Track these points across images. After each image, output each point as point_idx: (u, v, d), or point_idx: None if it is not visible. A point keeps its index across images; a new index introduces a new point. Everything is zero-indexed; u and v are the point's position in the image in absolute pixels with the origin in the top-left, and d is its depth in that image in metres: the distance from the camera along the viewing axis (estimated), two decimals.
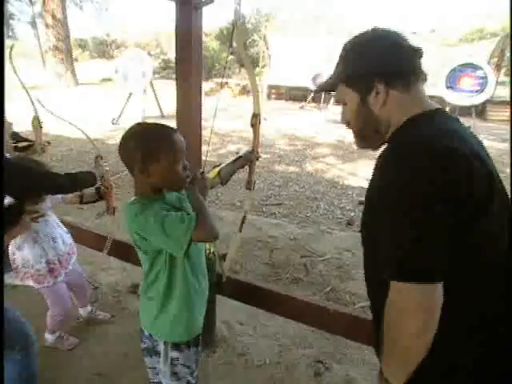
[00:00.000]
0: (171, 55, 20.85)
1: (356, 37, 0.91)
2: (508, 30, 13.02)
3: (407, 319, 0.72)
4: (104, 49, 22.97)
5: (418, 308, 0.70)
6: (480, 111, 11.53)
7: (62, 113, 1.88)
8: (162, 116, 9.81)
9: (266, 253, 3.36)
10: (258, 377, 1.96)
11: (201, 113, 1.80)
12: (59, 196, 1.92)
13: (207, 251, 1.79)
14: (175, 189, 1.22)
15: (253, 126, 1.53)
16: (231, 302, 2.43)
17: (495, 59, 12.55)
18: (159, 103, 9.79)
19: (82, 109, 9.94)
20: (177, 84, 1.73)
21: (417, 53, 0.85)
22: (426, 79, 0.87)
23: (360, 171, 5.90)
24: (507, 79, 15.93)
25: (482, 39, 16.01)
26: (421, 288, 0.70)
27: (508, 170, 5.48)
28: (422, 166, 0.70)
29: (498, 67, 12.53)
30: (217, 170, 1.44)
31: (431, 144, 0.72)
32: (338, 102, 0.95)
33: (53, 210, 1.94)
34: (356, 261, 3.25)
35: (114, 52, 22.65)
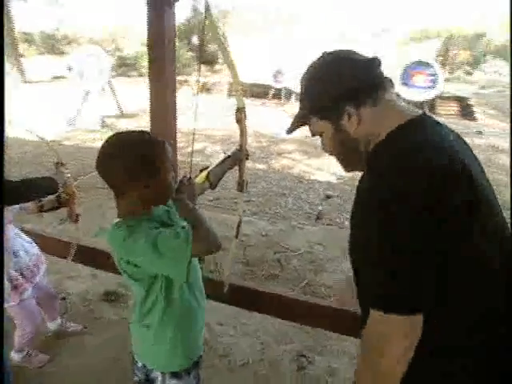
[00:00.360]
0: (127, 52, 20.16)
1: (310, 68, 0.89)
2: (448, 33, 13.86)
3: (390, 346, 0.72)
4: (53, 44, 21.70)
5: (399, 335, 0.71)
6: (430, 106, 12.17)
7: (11, 114, 1.75)
8: (122, 115, 9.47)
9: (239, 251, 3.34)
10: (242, 376, 1.95)
11: (175, 112, 1.74)
12: (17, 206, 1.78)
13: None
14: (164, 201, 1.11)
15: (238, 121, 1.40)
16: (209, 303, 2.40)
17: (440, 58, 13.33)
18: (118, 102, 9.44)
19: (32, 109, 9.37)
20: (150, 83, 1.66)
21: (374, 63, 0.84)
22: (392, 85, 0.86)
23: (326, 166, 6.03)
24: (451, 76, 16.90)
25: (428, 39, 16.89)
26: (403, 318, 0.70)
27: None
28: (394, 190, 0.69)
29: (443, 65, 13.34)
30: (204, 173, 1.33)
31: (403, 165, 0.72)
32: (314, 135, 0.94)
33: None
34: (328, 254, 3.33)
35: (64, 48, 21.50)
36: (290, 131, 0.97)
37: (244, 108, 1.40)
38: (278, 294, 1.86)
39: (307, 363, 2.03)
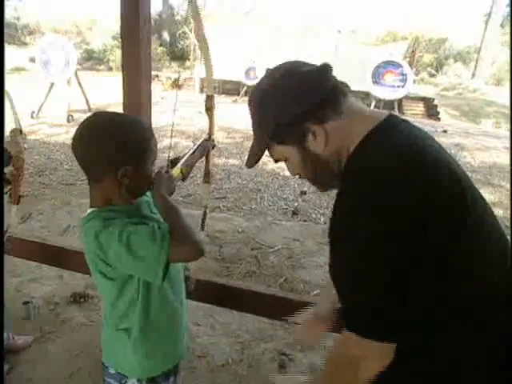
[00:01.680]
0: (94, 45, 19.44)
1: (257, 90, 0.78)
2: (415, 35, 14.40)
3: (363, 370, 0.69)
4: (13, 34, 20.57)
5: (374, 360, 0.69)
6: (398, 105, 12.55)
7: None
8: (89, 110, 9.09)
9: (215, 248, 3.26)
10: (222, 377, 1.87)
11: (150, 107, 1.62)
12: None
13: None
14: (142, 192, 1.02)
15: (208, 109, 1.37)
16: None
17: (407, 59, 13.81)
18: (86, 95, 9.04)
19: None
20: (123, 76, 1.53)
21: (326, 70, 0.75)
22: (349, 89, 0.78)
23: None
24: (416, 78, 17.47)
25: (395, 41, 17.41)
26: (381, 344, 0.66)
27: None
28: (377, 210, 0.63)
29: (410, 66, 13.84)
30: (179, 167, 1.24)
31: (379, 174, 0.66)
32: (277, 162, 0.84)
33: None
34: (305, 249, 3.31)
35: (26, 38, 20.43)
36: (251, 165, 0.84)
37: (213, 96, 1.35)
38: (255, 290, 1.80)
39: (288, 361, 1.99)
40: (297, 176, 0.85)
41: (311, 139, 0.74)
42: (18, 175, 1.56)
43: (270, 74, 0.78)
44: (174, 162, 1.22)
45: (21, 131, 1.54)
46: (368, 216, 0.64)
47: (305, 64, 0.76)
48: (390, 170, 0.65)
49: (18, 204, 1.63)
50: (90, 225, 0.90)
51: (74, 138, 0.91)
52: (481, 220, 0.69)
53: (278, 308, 1.74)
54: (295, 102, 0.73)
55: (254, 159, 0.83)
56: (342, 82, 0.77)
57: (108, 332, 1.06)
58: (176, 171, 1.19)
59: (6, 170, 1.53)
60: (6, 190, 1.55)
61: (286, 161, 0.82)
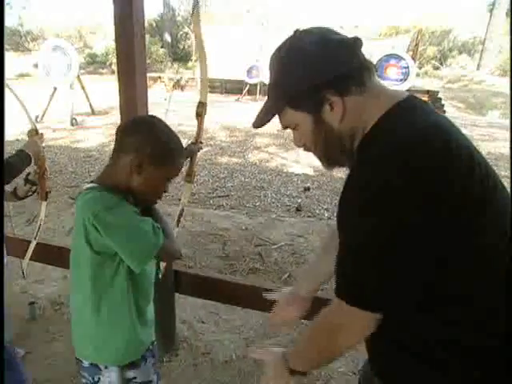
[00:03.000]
0: (97, 49, 19.55)
1: (281, 49, 0.74)
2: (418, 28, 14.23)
3: (344, 337, 0.71)
4: (18, 41, 20.75)
5: (356, 329, 0.70)
6: None
7: None
8: (93, 112, 9.15)
9: (218, 246, 3.26)
10: (226, 374, 1.87)
11: (147, 109, 1.63)
12: None
13: None
14: (145, 203, 1.07)
15: (198, 115, 1.43)
16: (189, 300, 2.31)
17: (410, 52, 13.67)
18: (89, 99, 9.10)
19: None
20: (119, 79, 1.54)
21: (357, 44, 0.72)
22: (376, 69, 0.77)
23: (302, 158, 6.00)
24: (420, 71, 17.31)
25: (399, 34, 17.24)
26: (365, 313, 0.67)
27: None
28: (391, 183, 0.61)
29: (413, 59, 13.70)
30: None
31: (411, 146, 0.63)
32: (285, 128, 0.80)
33: None
34: (309, 245, 3.29)
35: (29, 44, 20.60)
36: (258, 125, 0.80)
37: (206, 103, 1.41)
38: (258, 286, 1.80)
39: None
40: (301, 148, 0.81)
41: (328, 110, 0.71)
42: (42, 173, 1.64)
43: (300, 35, 0.74)
44: None
45: (36, 131, 1.60)
46: (383, 190, 0.62)
47: (337, 33, 0.73)
48: (414, 148, 0.62)
49: (46, 200, 1.73)
50: (96, 196, 0.96)
51: (126, 123, 1.06)
52: (499, 205, 0.67)
53: None
54: (320, 68, 0.70)
55: (262, 120, 0.79)
56: (369, 61, 0.74)
57: (83, 318, 1.06)
58: None
59: (31, 169, 1.59)
60: (32, 189, 1.62)
61: (294, 129, 0.78)
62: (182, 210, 1.61)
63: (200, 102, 1.41)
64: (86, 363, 1.08)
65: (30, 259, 1.98)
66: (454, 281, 0.66)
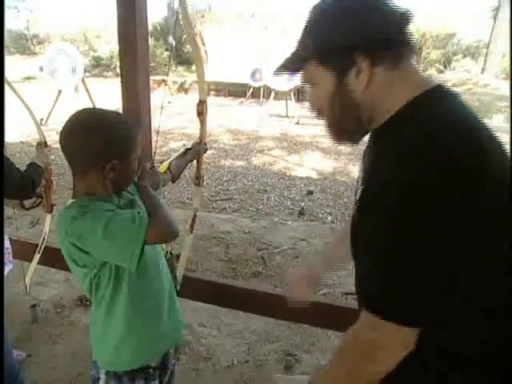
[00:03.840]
0: (101, 52, 19.67)
1: (323, 1, 0.70)
2: None
3: (386, 354, 0.63)
4: (25, 44, 20.92)
5: (398, 345, 0.62)
6: None
7: None
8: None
9: (221, 249, 3.25)
10: (228, 379, 1.86)
11: (150, 112, 1.63)
12: None
13: (164, 251, 1.65)
14: (125, 186, 1.04)
15: (199, 114, 1.40)
16: (189, 303, 2.30)
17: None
18: (93, 102, 9.15)
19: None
20: (121, 80, 1.54)
21: (406, 17, 0.66)
22: (416, 51, 0.71)
23: (306, 162, 5.99)
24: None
25: None
26: (404, 328, 0.60)
27: None
28: (426, 178, 0.56)
29: (417, 63, 13.72)
30: (166, 163, 1.30)
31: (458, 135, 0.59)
32: (304, 83, 0.75)
33: None
34: (312, 249, 3.28)
35: (35, 48, 20.76)
36: (277, 74, 0.76)
37: (205, 101, 1.38)
38: (261, 291, 1.79)
39: (294, 362, 1.96)
40: (314, 112, 0.76)
41: (353, 75, 0.66)
42: (48, 186, 1.65)
43: None
44: (162, 163, 1.31)
45: (46, 144, 1.60)
46: (416, 185, 0.56)
47: (390, 2, 0.67)
48: (445, 144, 0.58)
49: (51, 212, 1.72)
50: (68, 212, 0.92)
51: (62, 132, 0.94)
52: None
53: (283, 308, 1.73)
54: (359, 28, 0.64)
55: (284, 66, 0.74)
56: (413, 41, 0.68)
57: (90, 318, 1.09)
58: (163, 167, 1.25)
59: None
60: (37, 201, 1.64)
61: (313, 87, 0.73)
62: (195, 215, 1.57)
63: (200, 101, 1.38)
64: (93, 357, 1.10)
65: (30, 261, 1.98)
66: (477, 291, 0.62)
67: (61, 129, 0.95)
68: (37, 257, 1.84)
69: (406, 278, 0.59)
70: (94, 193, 0.96)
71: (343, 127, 0.74)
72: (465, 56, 20.92)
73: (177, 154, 1.37)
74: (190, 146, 1.43)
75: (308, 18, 0.71)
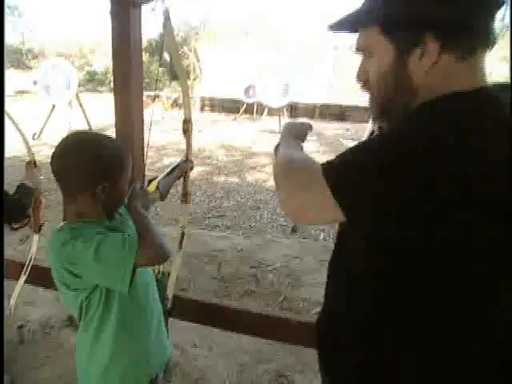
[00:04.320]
0: (97, 67, 19.81)
1: None
2: None
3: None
4: (19, 58, 21.02)
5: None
6: None
7: None
8: (90, 130, 9.19)
9: (213, 267, 3.23)
10: None
11: (143, 128, 1.64)
12: None
13: (155, 271, 1.64)
14: (116, 208, 1.05)
15: (185, 132, 1.43)
16: (181, 323, 2.27)
17: None
18: (87, 116, 9.16)
19: None
20: (115, 95, 1.56)
21: (496, 5, 0.58)
22: (493, 46, 0.60)
23: None
24: None
25: None
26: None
27: None
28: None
29: None
30: (155, 183, 1.31)
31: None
32: (358, 50, 0.68)
33: None
34: (305, 267, 3.27)
35: (30, 62, 20.85)
36: (336, 28, 0.68)
37: (190, 119, 1.41)
38: (253, 311, 1.78)
39: (287, 383, 1.94)
40: (360, 82, 0.70)
41: (417, 55, 0.59)
42: (37, 205, 1.62)
43: None
44: (151, 181, 1.29)
45: (35, 163, 1.58)
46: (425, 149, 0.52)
47: None
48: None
49: (39, 232, 1.70)
50: (58, 235, 0.92)
51: (53, 157, 0.94)
52: None
53: (276, 328, 1.72)
54: (438, 4, 0.56)
55: (342, 27, 0.68)
56: (495, 33, 0.59)
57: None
58: (151, 187, 1.25)
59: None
60: (25, 221, 1.61)
61: (367, 56, 0.67)
62: (183, 232, 1.59)
63: (185, 119, 1.42)
64: None
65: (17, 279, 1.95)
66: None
67: (53, 149, 0.95)
68: (23, 278, 1.80)
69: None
70: (84, 215, 0.96)
71: (388, 109, 0.67)
72: None
73: (164, 173, 1.38)
74: (176, 164, 1.45)
75: None
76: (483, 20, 0.58)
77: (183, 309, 1.80)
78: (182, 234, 1.59)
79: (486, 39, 0.59)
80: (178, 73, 1.39)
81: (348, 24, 0.67)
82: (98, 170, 0.93)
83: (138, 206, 1.00)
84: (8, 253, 2.72)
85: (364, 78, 0.68)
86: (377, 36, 0.62)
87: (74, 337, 2.18)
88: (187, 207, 1.58)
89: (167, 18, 1.25)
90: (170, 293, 1.66)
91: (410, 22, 0.58)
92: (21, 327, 2.16)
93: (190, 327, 2.30)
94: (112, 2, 1.42)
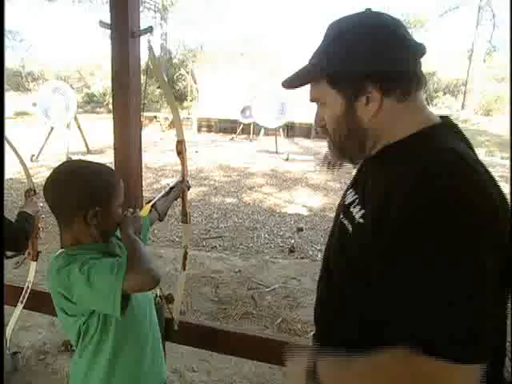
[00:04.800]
0: (95, 89, 20.09)
1: (344, 20, 0.70)
2: None
3: None
4: (19, 81, 21.32)
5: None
6: None
7: None
8: (88, 151, 9.25)
9: (211, 289, 3.21)
10: None
11: (141, 149, 1.68)
12: None
13: (153, 294, 1.64)
14: (110, 233, 1.06)
15: (179, 153, 1.46)
16: (178, 347, 2.25)
17: None
18: (85, 138, 9.24)
19: None
20: (114, 118, 1.60)
21: (421, 51, 0.68)
22: (425, 85, 0.70)
23: (296, 198, 6.07)
24: None
25: None
26: (474, 368, 0.53)
27: None
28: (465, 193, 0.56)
29: None
30: (148, 206, 1.33)
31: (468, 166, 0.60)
32: (313, 101, 0.75)
33: None
34: (303, 288, 3.26)
35: (30, 85, 21.14)
36: (288, 85, 0.74)
37: (184, 141, 1.44)
38: (252, 334, 1.77)
39: None
40: (319, 129, 0.77)
41: (363, 103, 0.67)
42: (35, 233, 1.64)
43: (371, 14, 0.70)
44: (148, 203, 1.33)
45: (34, 191, 1.60)
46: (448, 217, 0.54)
47: (407, 31, 0.68)
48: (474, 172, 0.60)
49: (36, 260, 1.71)
50: (55, 262, 0.95)
51: (46, 186, 0.98)
52: None
53: (274, 351, 1.70)
54: (376, 58, 0.65)
55: (293, 82, 0.74)
56: (424, 75, 0.70)
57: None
58: (144, 211, 1.27)
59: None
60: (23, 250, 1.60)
61: (321, 106, 0.74)
62: (186, 252, 1.59)
63: (178, 141, 1.44)
64: None
65: (12, 304, 1.93)
66: None
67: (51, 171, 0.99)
68: (20, 307, 1.79)
69: (481, 310, 0.54)
70: (80, 241, 0.99)
71: (346, 149, 0.74)
72: (445, 93, 21.89)
73: (160, 194, 1.40)
74: (173, 185, 1.48)
75: (325, 35, 0.71)
76: (413, 65, 0.68)
77: (181, 333, 1.78)
78: (185, 254, 1.59)
79: (418, 81, 0.69)
80: (166, 97, 1.43)
81: (300, 78, 0.73)
82: (85, 196, 0.96)
83: (129, 232, 1.00)
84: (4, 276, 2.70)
85: (322, 124, 0.75)
86: (326, 88, 0.70)
87: (69, 363, 2.16)
88: (188, 227, 1.59)
89: (150, 48, 1.31)
90: (175, 315, 1.66)
91: (353, 75, 0.67)
92: (15, 354, 2.13)
93: (188, 351, 2.28)
94: (112, 32, 1.48)
